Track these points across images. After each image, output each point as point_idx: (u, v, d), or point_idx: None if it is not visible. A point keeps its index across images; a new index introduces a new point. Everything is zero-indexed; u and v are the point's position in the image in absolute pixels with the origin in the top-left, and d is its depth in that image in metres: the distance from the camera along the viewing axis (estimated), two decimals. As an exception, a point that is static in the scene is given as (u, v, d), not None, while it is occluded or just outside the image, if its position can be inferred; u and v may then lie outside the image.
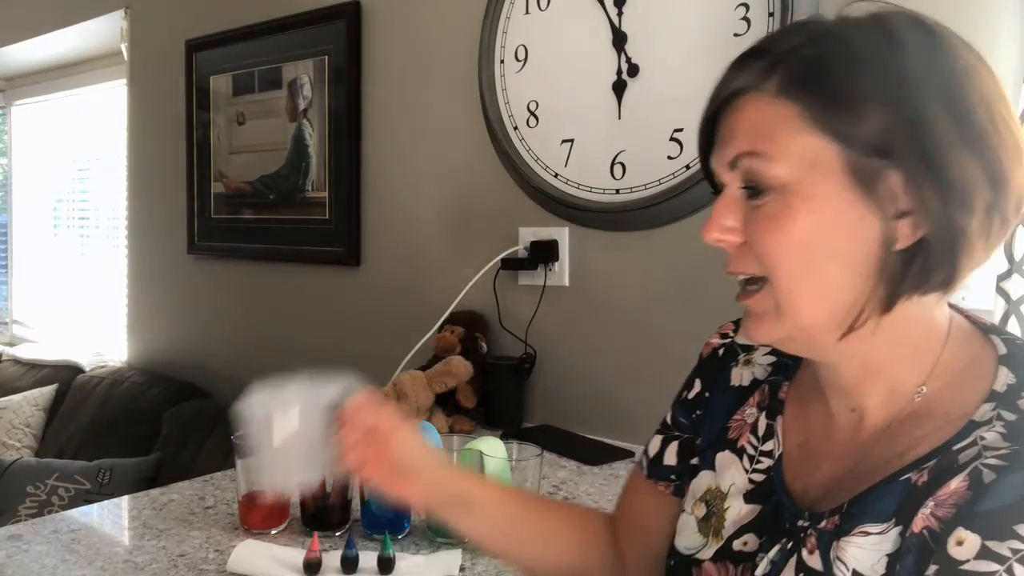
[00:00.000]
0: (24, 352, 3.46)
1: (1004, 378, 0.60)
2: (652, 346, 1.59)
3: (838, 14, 0.63)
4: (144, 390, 2.73)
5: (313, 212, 2.28)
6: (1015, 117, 0.61)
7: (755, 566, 0.67)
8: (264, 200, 2.44)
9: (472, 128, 1.87)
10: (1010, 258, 1.15)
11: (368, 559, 1.04)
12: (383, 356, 1.88)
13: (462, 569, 1.06)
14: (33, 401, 3.02)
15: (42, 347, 3.55)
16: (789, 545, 0.65)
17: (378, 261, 2.15)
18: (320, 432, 0.79)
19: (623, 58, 1.59)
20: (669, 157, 1.52)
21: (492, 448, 1.11)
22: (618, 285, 1.64)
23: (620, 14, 1.59)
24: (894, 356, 0.63)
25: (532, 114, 1.74)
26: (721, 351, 0.82)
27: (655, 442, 0.85)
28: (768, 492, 0.70)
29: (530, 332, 1.73)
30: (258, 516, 1.17)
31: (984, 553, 0.51)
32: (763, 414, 0.75)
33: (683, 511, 0.78)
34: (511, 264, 1.75)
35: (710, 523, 0.74)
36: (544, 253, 1.71)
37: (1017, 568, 0.50)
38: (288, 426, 0.80)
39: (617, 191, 1.60)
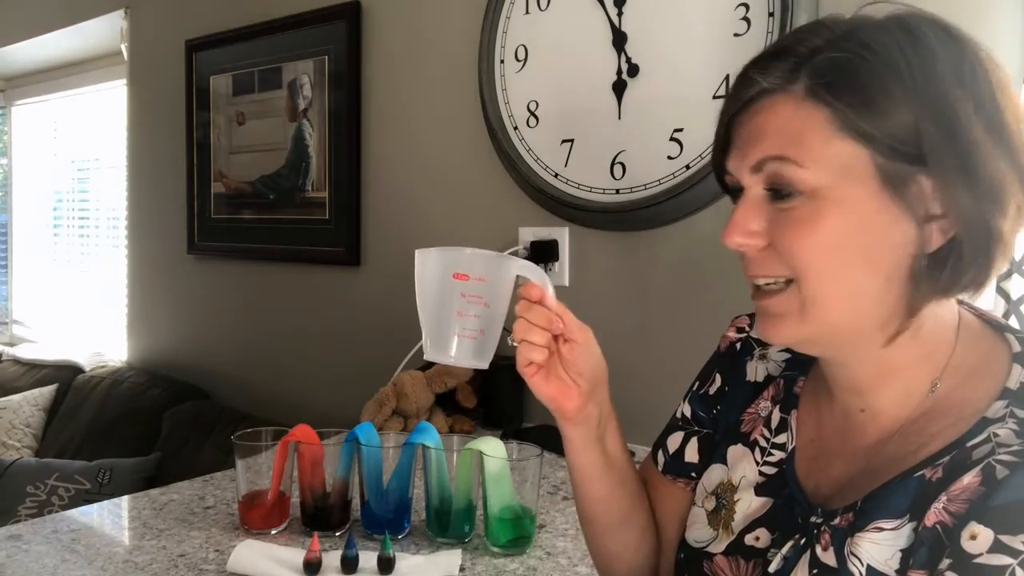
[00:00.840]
0: (24, 352, 3.46)
1: (1018, 375, 0.60)
2: (652, 346, 1.59)
3: (856, 15, 0.63)
4: (144, 390, 2.73)
5: (313, 212, 2.28)
6: None
7: (767, 562, 0.67)
8: (264, 200, 2.44)
9: (472, 128, 1.87)
10: (1011, 258, 1.15)
11: (368, 559, 1.04)
12: (383, 356, 1.88)
13: (462, 569, 1.06)
14: (33, 401, 3.02)
15: (42, 347, 3.55)
16: (802, 541, 0.65)
17: (378, 261, 2.15)
18: (498, 303, 0.74)
19: (623, 58, 1.59)
20: (669, 157, 1.52)
21: (492, 448, 1.11)
22: (618, 285, 1.64)
23: (620, 14, 1.59)
24: (911, 357, 0.63)
25: (532, 114, 1.74)
26: (738, 345, 0.82)
27: (675, 438, 0.84)
28: (780, 486, 0.70)
29: (530, 332, 1.72)
30: (258, 516, 1.17)
31: (997, 547, 0.51)
32: (777, 407, 0.75)
33: (694, 504, 0.78)
34: (511, 264, 1.75)
35: (720, 516, 0.74)
36: (544, 253, 1.71)
37: None
38: (460, 286, 0.73)
39: (617, 191, 1.60)
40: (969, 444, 0.58)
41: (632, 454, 0.84)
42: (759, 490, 0.72)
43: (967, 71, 0.59)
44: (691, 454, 0.82)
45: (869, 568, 0.58)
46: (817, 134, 0.59)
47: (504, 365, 1.72)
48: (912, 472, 0.59)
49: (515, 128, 1.77)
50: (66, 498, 2.38)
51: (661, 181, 1.53)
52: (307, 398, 2.34)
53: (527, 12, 1.74)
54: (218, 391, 2.66)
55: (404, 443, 1.17)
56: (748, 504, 0.72)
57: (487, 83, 1.79)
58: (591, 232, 1.68)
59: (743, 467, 0.74)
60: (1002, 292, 1.16)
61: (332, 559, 1.04)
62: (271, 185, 2.42)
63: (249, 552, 1.07)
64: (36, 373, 3.20)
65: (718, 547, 0.73)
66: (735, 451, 0.76)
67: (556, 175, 1.69)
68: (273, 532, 1.17)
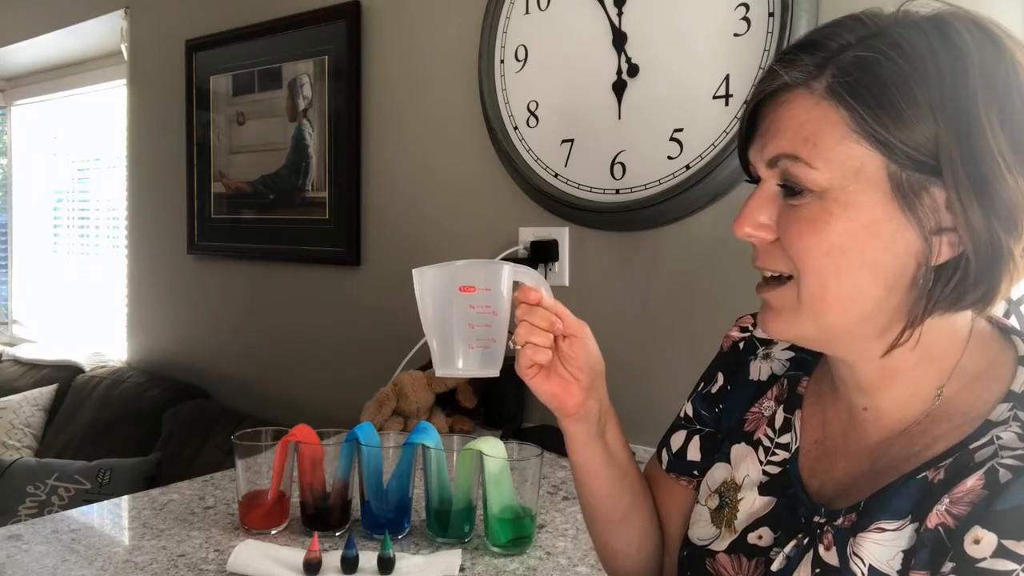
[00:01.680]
0: (24, 352, 3.46)
1: (1023, 378, 0.60)
2: (652, 346, 1.59)
3: (899, 10, 0.61)
4: (144, 390, 2.73)
5: (313, 212, 2.28)
6: None
7: (769, 560, 0.67)
8: (264, 200, 2.44)
9: (472, 128, 1.87)
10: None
11: (368, 559, 1.04)
12: (383, 356, 1.88)
13: (462, 569, 1.06)
14: (33, 401, 3.02)
15: (42, 347, 3.55)
16: (805, 541, 0.65)
17: (378, 261, 2.15)
18: (503, 310, 0.74)
19: (623, 58, 1.59)
20: (669, 157, 1.52)
21: (492, 448, 1.11)
22: (618, 285, 1.64)
23: (620, 14, 1.59)
24: (913, 362, 0.63)
25: (532, 114, 1.74)
26: (741, 344, 0.82)
27: (678, 437, 0.84)
28: (783, 486, 0.70)
29: (530, 332, 1.72)
30: (258, 516, 1.17)
31: (1001, 552, 0.51)
32: (781, 407, 0.75)
33: (697, 502, 0.78)
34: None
35: (723, 514, 0.74)
36: (544, 253, 1.71)
37: None
38: (468, 299, 0.74)
39: (617, 191, 1.60)
40: (972, 446, 0.58)
41: (632, 453, 0.84)
42: (763, 489, 0.72)
43: (1000, 79, 0.56)
44: (693, 452, 0.82)
45: (871, 568, 0.58)
46: (831, 134, 0.59)
47: (504, 365, 1.73)
48: (915, 474, 0.59)
49: (515, 128, 1.76)
50: (66, 498, 2.38)
51: (661, 181, 1.53)
52: (307, 398, 2.34)
53: (527, 12, 1.74)
54: (218, 391, 2.66)
55: (404, 443, 1.17)
56: (751, 503, 0.72)
57: (487, 83, 1.79)
58: (591, 232, 1.68)
59: (746, 466, 0.74)
60: (1002, 292, 1.16)
61: (332, 559, 1.04)
62: (271, 185, 2.42)
63: (249, 552, 1.07)
64: (36, 373, 3.20)
65: (720, 545, 0.73)
66: (738, 450, 0.76)
67: (556, 175, 1.69)
68: (273, 532, 1.17)
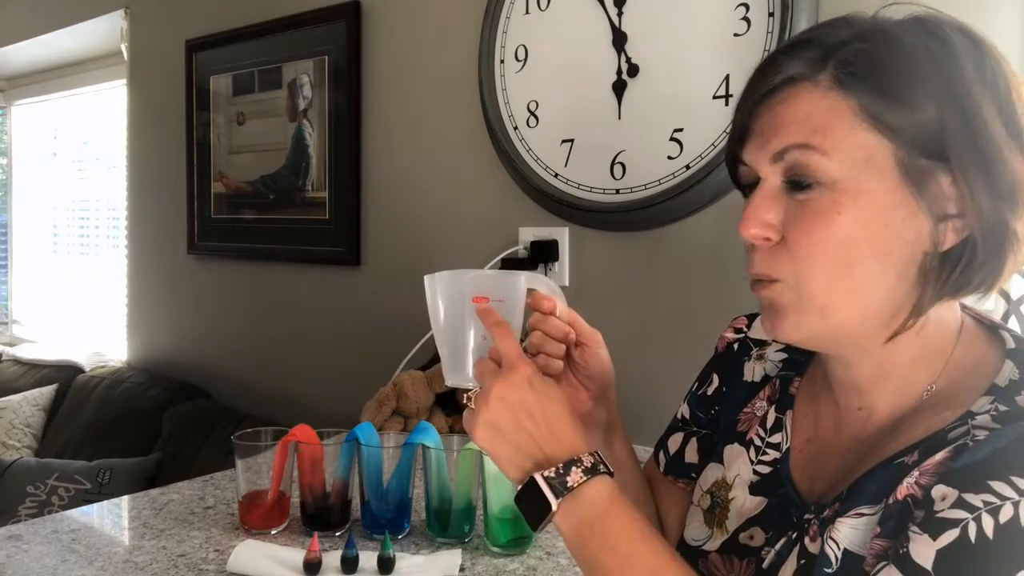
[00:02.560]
0: (24, 352, 3.46)
1: (1008, 372, 0.60)
2: (652, 346, 1.59)
3: (877, 14, 0.63)
4: (144, 390, 2.73)
5: (313, 212, 2.28)
6: None
7: (761, 560, 0.67)
8: (264, 200, 2.44)
9: (472, 128, 1.87)
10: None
11: (368, 559, 1.04)
12: (383, 356, 1.88)
13: (462, 569, 1.06)
14: (33, 401, 3.02)
15: (42, 347, 3.55)
16: (794, 536, 0.65)
17: (378, 261, 2.15)
18: (516, 320, 0.73)
19: (623, 58, 1.59)
20: (669, 157, 1.52)
21: (492, 448, 1.11)
22: (618, 285, 1.64)
23: (620, 14, 1.59)
24: (910, 357, 0.63)
25: (532, 114, 1.74)
26: (735, 345, 0.82)
27: (675, 439, 0.84)
28: (774, 486, 0.71)
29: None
30: (258, 516, 1.17)
31: (959, 503, 0.52)
32: (772, 407, 0.75)
33: (692, 503, 0.79)
34: (511, 264, 1.75)
35: (714, 514, 0.74)
36: (544, 253, 1.71)
37: (985, 518, 0.50)
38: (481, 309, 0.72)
39: (617, 191, 1.60)
40: (947, 429, 0.58)
41: (637, 461, 0.84)
42: (753, 489, 0.72)
43: (988, 72, 0.59)
44: (691, 455, 0.82)
45: (845, 552, 0.59)
46: (841, 122, 0.59)
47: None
48: (893, 459, 0.60)
49: (515, 128, 1.77)
50: (66, 498, 2.38)
51: (661, 181, 1.53)
52: (307, 398, 2.35)
53: (527, 12, 1.74)
54: (218, 391, 2.66)
55: (404, 443, 1.17)
56: (742, 503, 0.72)
57: (487, 83, 1.79)
58: (591, 232, 1.68)
59: (738, 465, 0.74)
60: (1002, 292, 1.16)
61: (332, 559, 1.04)
62: (271, 185, 2.42)
63: (249, 552, 1.07)
64: (36, 373, 3.20)
65: (712, 545, 0.73)
66: (731, 450, 0.76)
67: (556, 175, 1.69)
68: (273, 532, 1.17)
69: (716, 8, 1.45)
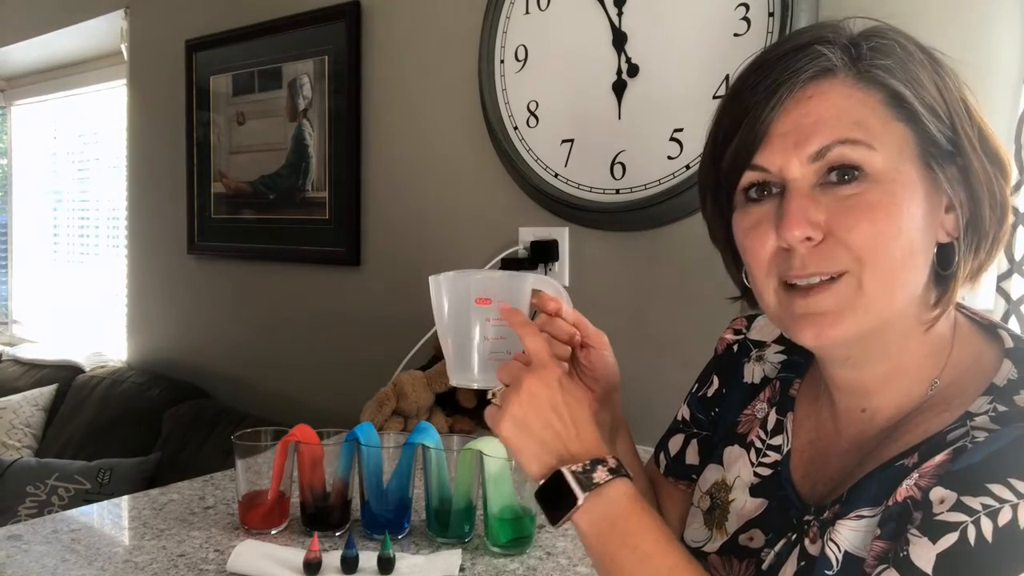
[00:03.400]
0: (24, 352, 3.46)
1: (1006, 372, 0.60)
2: (652, 346, 1.59)
3: (842, 22, 0.64)
4: (144, 390, 2.73)
5: (313, 212, 2.28)
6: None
7: (760, 561, 0.67)
8: (264, 200, 2.44)
9: (472, 128, 1.87)
10: (1010, 258, 1.15)
11: (368, 559, 1.04)
12: (383, 356, 1.88)
13: (462, 569, 1.06)
14: (33, 401, 3.02)
15: (42, 347, 3.55)
16: (793, 537, 0.65)
17: (378, 261, 2.15)
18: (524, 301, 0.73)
19: (623, 58, 1.59)
20: (669, 157, 1.52)
21: (492, 448, 1.11)
22: (618, 285, 1.64)
23: (620, 14, 1.59)
24: (921, 355, 0.64)
25: (532, 114, 1.74)
26: (735, 347, 0.82)
27: (676, 440, 0.84)
28: (775, 488, 0.71)
29: (530, 332, 1.72)
30: (258, 516, 1.17)
31: (957, 506, 0.52)
32: (773, 410, 0.75)
33: (692, 504, 0.79)
34: (511, 264, 1.75)
35: (714, 515, 0.74)
36: (544, 253, 1.71)
37: (984, 521, 0.50)
38: (485, 311, 0.73)
39: (617, 191, 1.60)
40: (946, 430, 0.58)
41: (641, 463, 0.84)
42: (754, 491, 0.72)
43: (951, 80, 0.62)
44: (692, 456, 0.82)
45: (846, 554, 0.59)
46: (875, 116, 0.60)
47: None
48: (893, 462, 0.60)
49: (515, 128, 1.77)
50: (66, 498, 2.38)
51: (661, 181, 1.53)
52: (307, 398, 2.35)
53: (527, 12, 1.74)
54: (218, 391, 2.66)
55: (404, 443, 1.17)
56: (742, 504, 0.72)
57: (487, 83, 1.79)
58: (591, 232, 1.68)
59: (738, 467, 0.74)
60: (1002, 292, 1.16)
61: (332, 559, 1.04)
62: (271, 185, 2.42)
63: (249, 552, 1.07)
64: (36, 373, 3.20)
65: (712, 547, 0.73)
66: (731, 452, 0.76)
67: (556, 175, 1.69)
68: (273, 532, 1.17)
69: (716, 8, 1.45)
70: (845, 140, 0.59)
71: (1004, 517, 0.50)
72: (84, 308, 3.60)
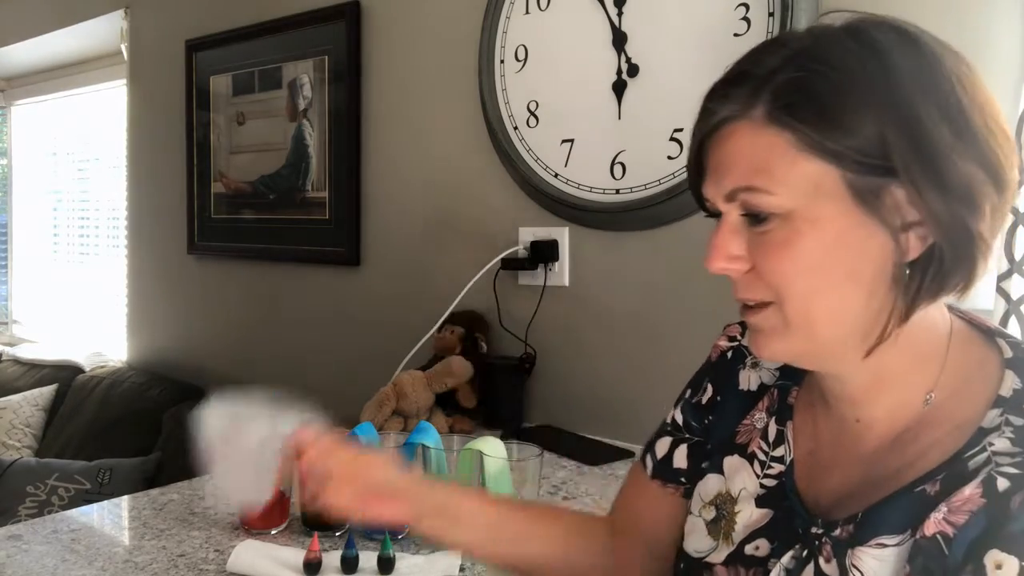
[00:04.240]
0: (24, 352, 3.46)
1: (1011, 382, 0.60)
2: (652, 346, 1.59)
3: (812, 27, 0.62)
4: (144, 390, 2.73)
5: (313, 212, 2.28)
6: (1004, 116, 0.60)
7: (767, 571, 0.67)
8: (264, 200, 2.44)
9: (472, 128, 1.87)
10: (1010, 258, 1.15)
11: (368, 559, 1.04)
12: (383, 356, 1.88)
13: (462, 569, 1.06)
14: (33, 401, 3.02)
15: (42, 347, 3.55)
16: (804, 553, 0.65)
17: (378, 261, 2.15)
18: (272, 456, 0.83)
19: (623, 58, 1.59)
20: (669, 157, 1.52)
21: (492, 448, 1.11)
22: (618, 285, 1.64)
23: (620, 14, 1.59)
24: (905, 364, 0.63)
25: (532, 114, 1.74)
26: (729, 354, 0.81)
27: (663, 443, 0.83)
28: (780, 498, 0.70)
29: (530, 332, 1.73)
30: (258, 516, 1.16)
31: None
32: (773, 419, 0.74)
33: (691, 513, 0.78)
34: (511, 264, 1.75)
35: (720, 526, 0.74)
36: (544, 253, 1.71)
37: None
38: (244, 445, 0.83)
39: (617, 191, 1.60)
40: (965, 456, 0.57)
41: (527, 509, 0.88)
42: (760, 502, 0.71)
43: (925, 73, 0.58)
44: (680, 460, 0.81)
45: None
46: (782, 158, 0.59)
47: (504, 365, 1.73)
48: (913, 487, 0.59)
49: (515, 128, 1.77)
50: (66, 498, 2.37)
51: (661, 181, 1.53)
52: (307, 398, 2.34)
53: (527, 12, 1.74)
54: (218, 391, 2.66)
55: (404, 443, 1.17)
56: (749, 515, 0.72)
57: (487, 83, 1.79)
58: (591, 232, 1.68)
59: (742, 479, 0.74)
60: (1002, 292, 1.16)
61: (332, 559, 1.04)
62: (271, 185, 2.42)
63: (249, 552, 1.07)
64: (36, 373, 3.20)
65: (718, 557, 0.72)
66: (731, 462, 0.75)
67: (556, 175, 1.69)
68: (273, 532, 1.17)
69: (716, 8, 1.45)
70: (746, 188, 0.60)
71: None
72: (84, 308, 3.60)
